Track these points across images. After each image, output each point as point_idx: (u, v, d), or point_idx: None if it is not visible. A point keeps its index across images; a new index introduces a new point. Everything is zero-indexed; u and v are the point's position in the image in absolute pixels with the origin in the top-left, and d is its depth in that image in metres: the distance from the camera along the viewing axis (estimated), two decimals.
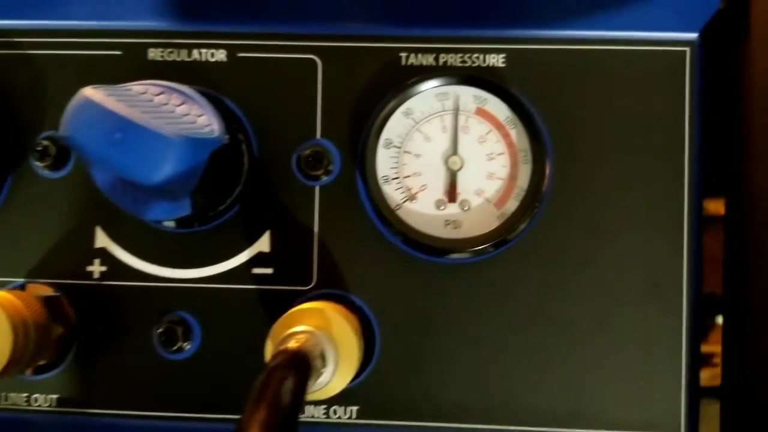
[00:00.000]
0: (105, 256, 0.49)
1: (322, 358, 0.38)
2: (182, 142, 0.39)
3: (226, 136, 0.44)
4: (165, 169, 0.39)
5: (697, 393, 0.46)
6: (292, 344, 0.36)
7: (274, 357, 0.35)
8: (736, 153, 0.47)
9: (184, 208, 0.43)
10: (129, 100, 0.41)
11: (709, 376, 0.50)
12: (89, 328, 0.48)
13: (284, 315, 0.41)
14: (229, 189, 0.47)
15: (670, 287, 0.47)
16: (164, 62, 0.49)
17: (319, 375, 0.38)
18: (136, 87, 0.44)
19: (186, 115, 0.43)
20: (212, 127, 0.43)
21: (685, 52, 0.48)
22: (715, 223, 0.50)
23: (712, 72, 0.48)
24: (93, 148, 0.39)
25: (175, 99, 0.44)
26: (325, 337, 0.38)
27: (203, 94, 0.46)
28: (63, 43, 0.50)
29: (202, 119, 0.44)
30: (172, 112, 0.43)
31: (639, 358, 0.46)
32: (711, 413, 0.48)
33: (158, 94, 0.44)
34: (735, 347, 0.46)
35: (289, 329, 0.40)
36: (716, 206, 0.51)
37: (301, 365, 0.35)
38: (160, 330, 0.47)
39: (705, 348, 0.48)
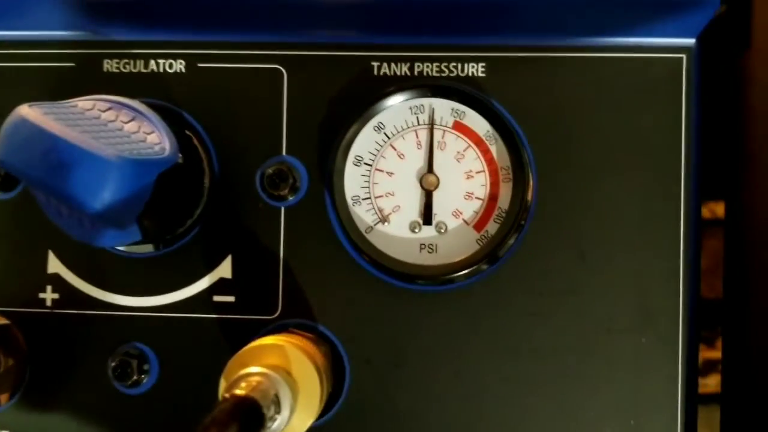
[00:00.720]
0: (58, 282, 0.45)
1: (276, 402, 0.35)
2: (124, 164, 0.36)
3: (180, 155, 0.41)
4: (104, 193, 0.36)
5: (694, 429, 0.43)
6: (240, 390, 0.33)
7: (217, 405, 0.32)
8: (737, 158, 0.43)
9: (132, 235, 0.40)
10: (69, 118, 0.38)
11: (715, 383, 0.47)
12: (42, 359, 0.45)
13: (240, 352, 0.38)
14: (187, 210, 0.44)
15: (665, 315, 0.43)
16: (120, 74, 0.46)
17: (273, 420, 0.34)
18: (82, 103, 0.41)
19: (134, 133, 0.40)
20: (163, 145, 0.40)
21: (681, 59, 0.44)
22: (714, 227, 0.47)
23: (710, 80, 0.44)
24: (28, 171, 0.36)
25: (123, 115, 0.41)
26: (281, 380, 0.35)
27: (160, 108, 0.43)
28: (12, 55, 0.47)
29: (152, 137, 0.40)
30: (120, 129, 0.40)
31: (630, 393, 0.43)
32: (713, 418, 0.45)
33: (106, 110, 0.41)
34: (735, 352, 0.43)
35: (243, 368, 0.36)
36: (715, 209, 0.48)
37: (247, 415, 0.32)
38: (114, 363, 0.44)
39: (712, 354, 0.45)
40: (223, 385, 0.37)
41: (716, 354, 0.48)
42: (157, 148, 0.40)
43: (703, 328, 0.50)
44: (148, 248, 0.45)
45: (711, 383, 0.47)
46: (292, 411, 0.36)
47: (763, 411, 0.40)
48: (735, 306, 0.43)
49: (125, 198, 0.37)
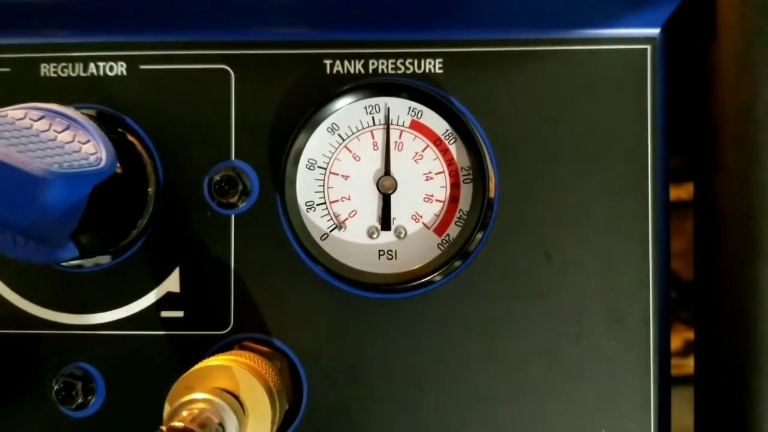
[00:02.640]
0: None
1: (221, 431, 0.32)
2: (52, 179, 0.34)
3: (118, 165, 0.38)
4: (30, 211, 0.33)
5: None
6: (179, 422, 0.31)
7: None
8: (704, 146, 0.41)
9: (68, 252, 0.37)
10: None
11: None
12: None
13: (185, 374, 0.36)
14: (131, 222, 0.42)
15: (635, 319, 0.41)
16: (59, 79, 0.44)
17: None
18: (13, 112, 0.38)
19: (69, 143, 0.38)
20: (99, 155, 0.38)
21: (645, 50, 0.42)
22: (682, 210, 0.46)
23: (676, 70, 0.43)
24: None
25: (57, 124, 0.38)
26: (225, 407, 0.33)
27: (101, 114, 0.41)
28: None
29: (87, 146, 0.38)
30: (53, 139, 0.37)
31: (600, 401, 0.41)
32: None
33: (38, 120, 0.38)
34: (706, 334, 0.41)
35: (189, 392, 0.34)
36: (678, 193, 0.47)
37: None
38: (57, 385, 0.41)
39: (693, 335, 0.43)
40: (167, 410, 0.35)
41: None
42: (92, 158, 0.37)
43: (682, 309, 0.48)
44: (95, 261, 0.43)
45: (692, 364, 0.46)
46: None
47: (734, 392, 0.38)
48: (705, 287, 0.41)
49: (56, 214, 0.34)
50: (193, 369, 0.36)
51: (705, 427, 0.40)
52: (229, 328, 0.42)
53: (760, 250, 0.38)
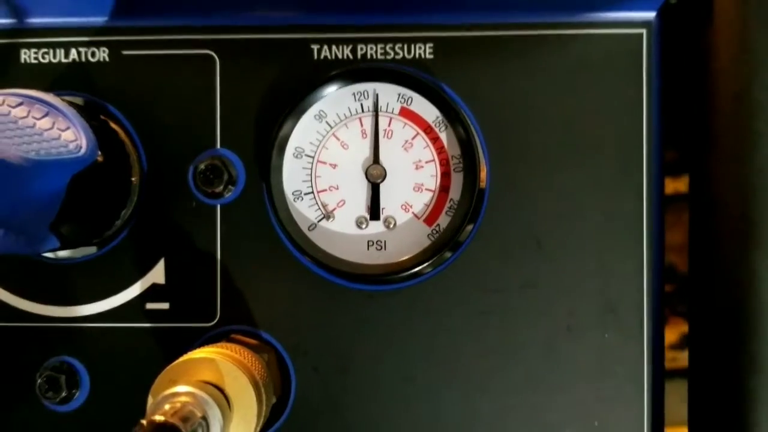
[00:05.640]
0: None
1: (204, 425, 0.31)
2: (28, 167, 0.33)
3: (99, 153, 0.37)
4: (6, 199, 0.32)
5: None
6: (160, 415, 0.30)
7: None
8: (700, 134, 0.41)
9: (48, 243, 0.36)
10: None
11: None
12: None
13: (168, 367, 0.35)
14: (114, 212, 0.41)
15: (629, 310, 0.40)
16: (39, 65, 0.42)
17: None
18: None
19: (48, 130, 0.37)
20: (78, 142, 0.37)
21: (641, 34, 0.41)
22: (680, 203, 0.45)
23: (672, 55, 0.42)
24: None
25: (36, 111, 0.37)
26: (209, 400, 0.32)
27: (84, 101, 0.40)
28: None
29: (67, 134, 0.37)
30: (31, 126, 0.36)
31: (593, 393, 0.40)
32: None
33: (16, 106, 0.37)
34: (699, 326, 0.41)
35: (172, 385, 0.33)
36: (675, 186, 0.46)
37: None
38: (41, 379, 0.41)
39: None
40: (150, 402, 0.34)
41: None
42: (72, 146, 0.36)
43: (680, 302, 0.47)
44: (78, 253, 0.42)
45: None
46: (223, 430, 0.33)
47: (727, 385, 0.38)
48: (699, 277, 0.41)
49: (34, 203, 0.33)
50: (177, 361, 0.35)
51: (698, 420, 0.39)
52: (215, 320, 0.41)
53: (755, 239, 0.37)
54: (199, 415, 0.32)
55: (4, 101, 0.37)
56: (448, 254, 0.40)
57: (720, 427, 0.38)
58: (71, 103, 0.39)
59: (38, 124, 0.37)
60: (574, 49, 0.41)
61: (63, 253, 0.42)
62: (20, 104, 0.37)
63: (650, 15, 0.41)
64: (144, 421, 0.29)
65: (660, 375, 0.40)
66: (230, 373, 0.35)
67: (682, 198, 0.46)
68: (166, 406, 0.31)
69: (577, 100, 0.41)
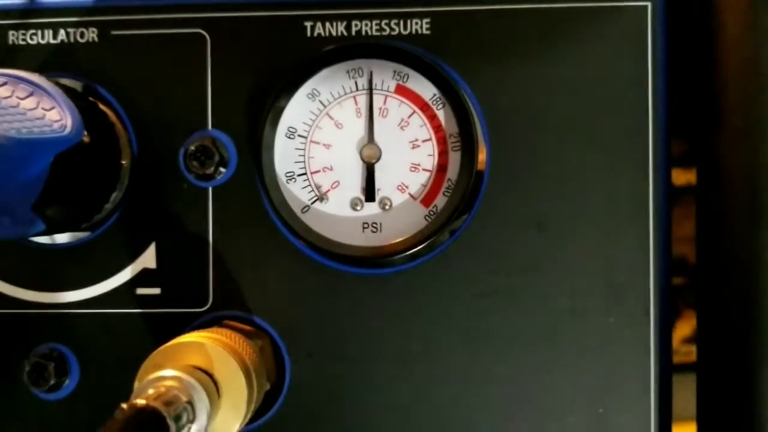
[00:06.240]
0: None
1: (190, 410, 0.30)
2: (9, 145, 0.32)
3: (85, 133, 0.36)
4: None
5: (668, 421, 0.39)
6: (142, 399, 0.29)
7: (113, 417, 0.28)
8: (708, 120, 0.39)
9: (33, 226, 0.35)
10: None
11: None
12: None
13: (155, 351, 0.34)
14: (103, 195, 0.40)
15: (636, 292, 0.39)
16: (27, 46, 0.42)
17: (187, 429, 0.30)
18: None
19: (32, 110, 0.36)
20: (63, 122, 0.36)
21: (646, 7, 0.40)
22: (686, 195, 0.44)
23: (678, 30, 0.40)
24: None
25: (20, 90, 0.36)
26: (195, 384, 0.31)
27: (75, 83, 0.40)
28: None
29: (52, 113, 0.36)
30: (15, 106, 0.35)
31: (598, 379, 0.39)
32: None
33: (0, 86, 0.36)
34: (708, 321, 0.39)
35: (157, 370, 0.32)
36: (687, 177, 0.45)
37: (146, 428, 0.27)
38: (29, 366, 0.40)
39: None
40: (136, 387, 0.33)
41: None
42: (56, 125, 0.35)
43: (692, 295, 0.46)
44: (67, 237, 0.41)
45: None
46: (211, 416, 0.32)
47: (736, 379, 0.36)
48: (707, 262, 0.39)
49: (15, 183, 0.32)
50: (164, 346, 0.34)
51: (706, 413, 0.38)
52: (207, 306, 0.40)
53: (766, 219, 0.36)
54: (185, 399, 0.30)
55: None
56: (445, 236, 0.39)
57: (728, 421, 0.37)
58: (58, 84, 0.38)
59: (22, 103, 0.36)
60: (577, 22, 0.39)
61: (52, 238, 0.41)
62: (4, 84, 0.36)
63: None
64: (125, 405, 0.28)
65: (668, 360, 0.39)
66: (220, 357, 0.34)
67: (694, 190, 0.45)
68: (150, 390, 0.30)
69: (579, 76, 0.39)
